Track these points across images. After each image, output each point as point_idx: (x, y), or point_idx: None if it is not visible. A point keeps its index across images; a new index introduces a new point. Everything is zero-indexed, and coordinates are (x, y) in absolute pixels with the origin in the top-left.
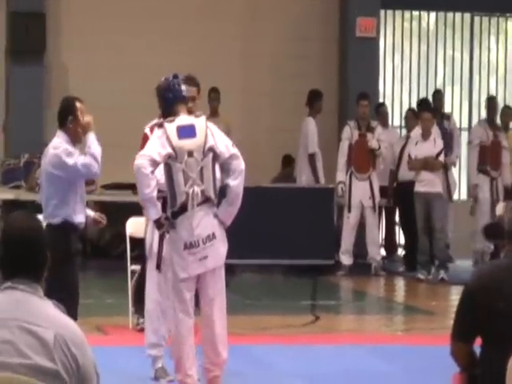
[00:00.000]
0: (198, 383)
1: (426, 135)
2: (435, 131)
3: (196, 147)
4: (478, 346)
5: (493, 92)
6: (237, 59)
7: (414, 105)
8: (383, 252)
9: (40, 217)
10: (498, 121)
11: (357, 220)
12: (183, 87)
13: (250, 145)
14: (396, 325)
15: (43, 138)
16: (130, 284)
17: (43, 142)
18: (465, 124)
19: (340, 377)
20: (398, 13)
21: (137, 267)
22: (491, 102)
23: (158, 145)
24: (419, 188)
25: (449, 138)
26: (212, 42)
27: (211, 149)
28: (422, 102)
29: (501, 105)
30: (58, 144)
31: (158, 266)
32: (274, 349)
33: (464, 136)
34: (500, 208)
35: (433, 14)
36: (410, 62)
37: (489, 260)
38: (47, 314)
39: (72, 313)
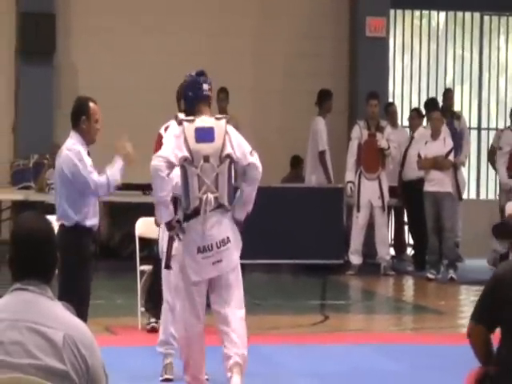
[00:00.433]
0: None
1: (435, 135)
2: (445, 130)
3: (213, 152)
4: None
5: (502, 91)
6: (247, 58)
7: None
8: (392, 252)
9: (52, 218)
10: None
11: (366, 220)
12: (205, 86)
13: (260, 144)
14: (405, 324)
15: (53, 138)
16: (140, 284)
17: (53, 143)
18: (474, 123)
19: (349, 376)
20: (408, 12)
21: (146, 267)
22: None
23: (175, 146)
24: (429, 187)
25: (459, 138)
26: (222, 40)
27: (228, 156)
28: (430, 102)
29: (510, 104)
30: (72, 146)
31: (167, 266)
32: (283, 348)
33: (473, 135)
34: (509, 207)
35: (442, 14)
36: (419, 61)
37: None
38: (56, 314)
39: (82, 316)
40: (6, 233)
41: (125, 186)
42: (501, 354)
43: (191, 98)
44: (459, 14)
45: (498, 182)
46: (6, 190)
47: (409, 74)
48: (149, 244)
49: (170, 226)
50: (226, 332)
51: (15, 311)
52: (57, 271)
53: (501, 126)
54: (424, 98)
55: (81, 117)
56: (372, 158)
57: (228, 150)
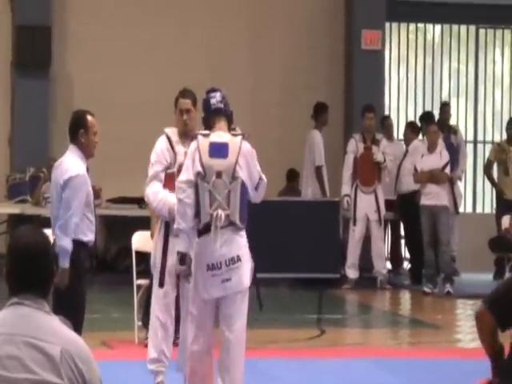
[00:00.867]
0: None
1: (432, 148)
2: (440, 144)
3: (225, 169)
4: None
5: (498, 104)
6: (243, 71)
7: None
8: (389, 265)
9: (49, 231)
10: None
11: (362, 233)
12: (213, 100)
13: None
14: (402, 338)
15: (48, 151)
16: (136, 298)
17: (49, 157)
18: (470, 136)
19: None
20: (403, 25)
21: (143, 281)
22: None
23: (191, 162)
24: (425, 201)
25: (455, 152)
26: (219, 54)
27: (239, 177)
28: (426, 115)
29: (506, 117)
30: (74, 167)
31: (162, 285)
32: (280, 362)
33: (469, 148)
34: (506, 221)
35: (438, 27)
36: (415, 74)
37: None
38: (54, 329)
39: (76, 331)
40: (2, 246)
41: (121, 200)
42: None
43: (204, 118)
44: (455, 27)
45: (494, 195)
46: (2, 204)
47: (404, 86)
48: (145, 258)
49: (182, 258)
50: (225, 364)
51: (12, 326)
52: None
53: (497, 139)
54: (420, 111)
55: (79, 130)
56: (368, 172)
57: (239, 173)
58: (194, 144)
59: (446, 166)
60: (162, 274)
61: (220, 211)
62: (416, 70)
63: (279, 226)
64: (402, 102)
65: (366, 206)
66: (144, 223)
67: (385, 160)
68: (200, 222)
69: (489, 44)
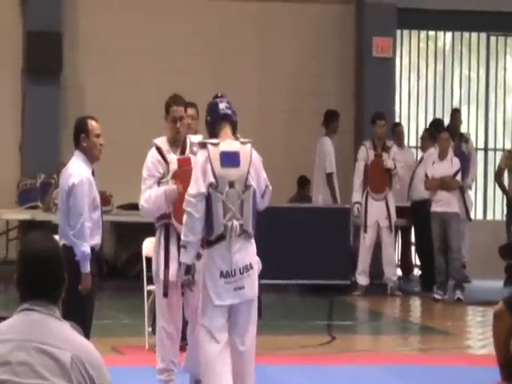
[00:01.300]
0: None
1: (443, 155)
2: (450, 151)
3: (238, 178)
4: None
5: (509, 111)
6: (252, 78)
7: None
8: (399, 272)
9: (56, 237)
10: None
11: (373, 240)
12: (222, 105)
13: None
14: (412, 345)
15: (59, 157)
16: (147, 304)
17: (59, 162)
18: (481, 144)
19: None
20: (414, 33)
21: (153, 287)
22: None
23: (201, 174)
24: (436, 208)
25: (466, 161)
26: (227, 60)
27: (251, 185)
28: (436, 122)
29: None
30: (79, 171)
31: (166, 294)
32: (290, 369)
33: (480, 155)
34: None
35: (449, 34)
36: (426, 81)
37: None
38: (64, 335)
39: (85, 335)
40: (13, 252)
41: (131, 206)
42: None
43: (210, 123)
44: (466, 34)
45: (504, 202)
46: (13, 210)
47: (415, 94)
48: None
49: (187, 269)
50: (238, 372)
51: (23, 332)
52: None
53: (508, 146)
54: (431, 119)
55: (80, 135)
56: (379, 179)
57: (251, 182)
58: (203, 154)
59: (456, 173)
60: (165, 285)
61: (235, 222)
62: (427, 77)
63: (290, 232)
64: (412, 110)
65: (377, 212)
66: (154, 230)
67: (395, 167)
68: (212, 233)
69: (500, 51)
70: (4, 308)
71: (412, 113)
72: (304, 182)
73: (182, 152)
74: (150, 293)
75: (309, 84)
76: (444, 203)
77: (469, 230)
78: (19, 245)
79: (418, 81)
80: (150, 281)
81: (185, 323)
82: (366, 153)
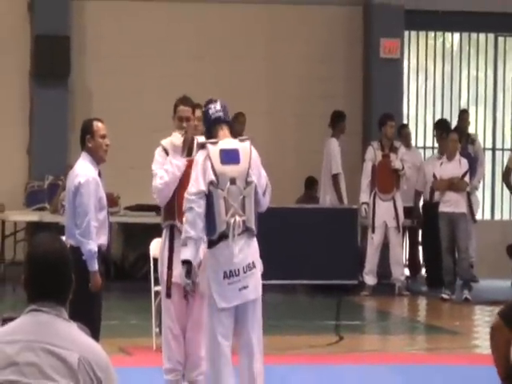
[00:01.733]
0: None
1: (451, 156)
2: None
3: (239, 174)
4: None
5: None
6: (261, 81)
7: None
8: (407, 272)
9: (63, 238)
10: None
11: (381, 240)
12: (212, 110)
13: (275, 166)
14: (420, 345)
15: (67, 160)
16: (154, 305)
17: (67, 165)
18: (488, 144)
19: None
20: (422, 34)
21: (160, 288)
22: None
23: (201, 173)
24: (444, 208)
25: (473, 162)
26: (236, 64)
27: (253, 182)
28: (443, 122)
29: None
30: (84, 172)
31: (168, 295)
32: (298, 369)
33: (488, 156)
34: None
35: (457, 35)
36: (433, 82)
37: None
38: (72, 336)
39: (93, 336)
40: (21, 254)
41: (139, 207)
42: None
43: (206, 130)
44: (473, 35)
45: None
46: (20, 212)
47: (423, 95)
48: None
49: (189, 267)
50: (247, 371)
51: (30, 332)
52: None
53: None
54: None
55: (86, 136)
56: (386, 179)
57: (252, 178)
58: (202, 153)
59: (465, 174)
60: (168, 286)
61: (237, 218)
62: (435, 78)
63: (298, 233)
64: (420, 111)
65: (385, 213)
66: (161, 231)
67: (403, 167)
68: (215, 231)
69: (508, 52)
70: (12, 309)
71: (420, 114)
72: (312, 183)
73: (189, 153)
74: (157, 293)
75: (317, 86)
76: (452, 204)
77: (476, 229)
78: (27, 246)
79: (425, 82)
80: (158, 282)
81: None
82: (373, 153)
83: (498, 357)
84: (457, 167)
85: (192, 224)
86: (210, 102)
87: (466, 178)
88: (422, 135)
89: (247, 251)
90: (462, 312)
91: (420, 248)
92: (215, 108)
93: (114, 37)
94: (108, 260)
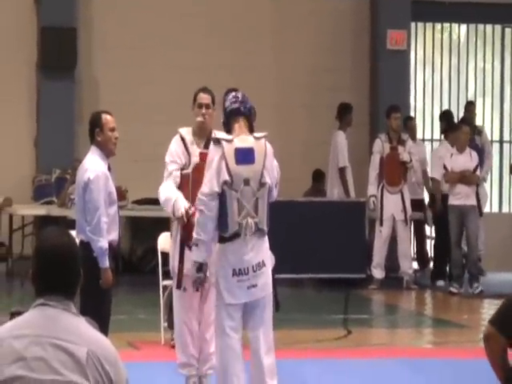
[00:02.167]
0: None
1: (462, 148)
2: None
3: (253, 175)
4: None
5: None
6: (268, 73)
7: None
8: (415, 265)
9: (73, 233)
10: None
11: (389, 233)
12: (227, 103)
13: (283, 158)
14: (428, 338)
15: (74, 153)
16: (162, 299)
17: (74, 158)
18: (496, 136)
19: None
20: (429, 25)
21: (169, 282)
22: None
23: (215, 172)
24: (454, 201)
25: (480, 153)
26: (244, 56)
27: (266, 183)
28: (448, 113)
29: None
30: (94, 167)
31: (179, 286)
32: (305, 363)
33: (495, 148)
34: None
35: (463, 26)
36: (440, 74)
37: None
38: (80, 330)
39: (103, 330)
40: (29, 248)
41: (146, 201)
42: None
43: (225, 121)
44: (480, 26)
45: None
46: (28, 205)
47: (430, 86)
48: None
49: (199, 267)
50: (257, 369)
51: (38, 327)
52: None
53: None
54: None
55: (95, 129)
56: (394, 172)
57: (266, 179)
58: (216, 150)
59: (476, 167)
60: (179, 277)
61: (250, 220)
62: (442, 69)
63: (305, 226)
64: (427, 102)
65: (393, 206)
66: (169, 224)
67: (411, 160)
68: (227, 231)
69: None
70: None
71: (427, 105)
72: (319, 176)
73: (206, 146)
74: (165, 288)
75: (324, 78)
76: (462, 196)
77: (484, 222)
78: (35, 240)
79: (432, 73)
80: (166, 275)
81: None
82: (381, 146)
83: (496, 363)
84: (468, 160)
85: (203, 227)
86: (230, 91)
87: (477, 172)
88: (430, 127)
89: (258, 250)
90: (470, 306)
91: (428, 241)
92: (233, 99)
93: (121, 28)
94: (117, 254)
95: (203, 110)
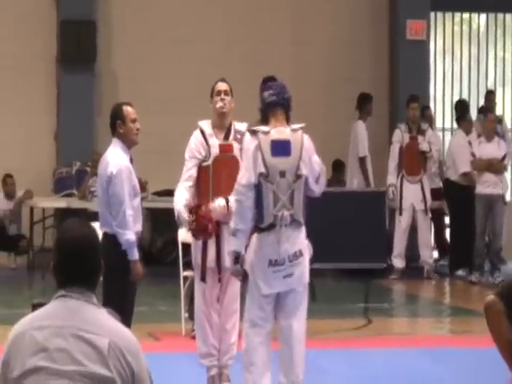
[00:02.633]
0: None
1: (489, 136)
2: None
3: (289, 167)
4: None
5: None
6: (286, 64)
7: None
8: (435, 254)
9: (96, 225)
10: None
11: (409, 223)
12: (266, 93)
13: None
14: (449, 327)
15: (94, 145)
16: (183, 290)
17: (94, 151)
18: None
19: (393, 380)
20: (448, 15)
21: (189, 273)
22: None
23: (252, 163)
24: (481, 189)
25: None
26: (261, 47)
27: (302, 175)
28: (460, 103)
29: None
30: (116, 159)
31: (203, 279)
32: (327, 352)
33: None
34: None
35: (483, 16)
36: (460, 64)
37: None
38: (101, 321)
39: (125, 323)
40: (49, 240)
41: (166, 193)
42: None
43: (261, 111)
44: (500, 15)
45: None
46: (48, 198)
47: (450, 76)
48: (191, 250)
49: (236, 257)
50: (287, 358)
51: (60, 318)
52: (102, 278)
53: None
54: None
55: (116, 121)
56: (414, 161)
57: (303, 171)
58: (252, 142)
59: (505, 156)
60: (203, 269)
61: (285, 212)
62: (461, 59)
63: (325, 216)
64: (447, 92)
65: (412, 195)
66: None
67: (430, 149)
68: (263, 222)
69: None
70: (41, 295)
71: (447, 95)
72: (339, 166)
73: (226, 137)
74: (185, 279)
75: (343, 69)
76: (490, 185)
77: (505, 211)
78: (55, 233)
79: (452, 63)
80: (186, 267)
81: None
82: (400, 135)
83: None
84: (496, 149)
85: (241, 216)
86: (267, 80)
87: (506, 161)
88: (450, 117)
89: (294, 241)
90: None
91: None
92: (268, 92)
93: (140, 21)
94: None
95: (222, 96)
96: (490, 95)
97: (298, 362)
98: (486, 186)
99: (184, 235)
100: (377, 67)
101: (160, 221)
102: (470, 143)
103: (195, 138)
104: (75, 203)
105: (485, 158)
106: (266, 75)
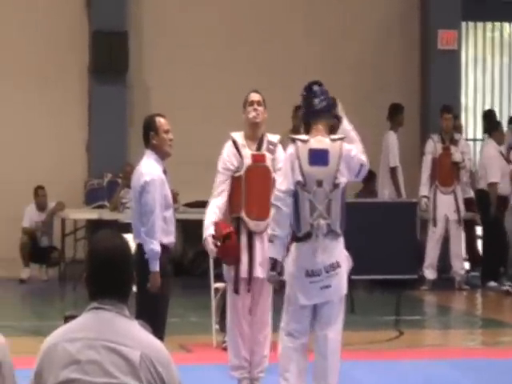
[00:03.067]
0: None
1: None
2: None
3: (326, 177)
4: None
5: None
6: (315, 73)
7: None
8: (467, 266)
9: (129, 236)
10: None
11: (442, 234)
12: (317, 100)
13: None
14: (481, 339)
15: (126, 157)
16: (214, 302)
17: (126, 162)
18: None
19: None
20: (480, 24)
21: (220, 285)
22: None
23: (290, 171)
24: None
25: None
26: (291, 56)
27: (340, 184)
28: (488, 113)
29: None
30: (149, 170)
31: (236, 291)
32: (358, 364)
33: None
34: None
35: None
36: (492, 73)
37: None
38: (133, 333)
39: (158, 334)
40: (81, 252)
41: (198, 204)
42: None
43: (304, 116)
44: None
45: None
46: (80, 209)
47: (481, 86)
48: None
49: (274, 264)
50: (321, 368)
51: (92, 330)
52: (135, 289)
53: None
54: (497, 111)
55: (149, 133)
56: (447, 172)
57: (341, 179)
58: (291, 149)
59: None
60: (235, 281)
61: (321, 221)
62: (493, 69)
63: (356, 227)
64: (478, 102)
65: (446, 206)
66: None
67: (463, 160)
68: (300, 231)
69: None
70: (73, 307)
71: (478, 105)
72: (371, 177)
73: (258, 148)
74: (216, 290)
75: (373, 78)
76: None
77: None
78: (87, 244)
79: (483, 73)
80: (217, 278)
81: None
82: (433, 146)
83: None
84: None
85: (279, 223)
86: (311, 84)
87: None
88: (481, 127)
89: (331, 252)
90: None
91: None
92: (319, 99)
93: (171, 31)
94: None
95: (255, 106)
96: None
97: (332, 372)
98: None
99: None
100: (408, 77)
101: (191, 232)
102: (501, 153)
103: (228, 149)
104: (106, 215)
105: None
106: (295, 83)
